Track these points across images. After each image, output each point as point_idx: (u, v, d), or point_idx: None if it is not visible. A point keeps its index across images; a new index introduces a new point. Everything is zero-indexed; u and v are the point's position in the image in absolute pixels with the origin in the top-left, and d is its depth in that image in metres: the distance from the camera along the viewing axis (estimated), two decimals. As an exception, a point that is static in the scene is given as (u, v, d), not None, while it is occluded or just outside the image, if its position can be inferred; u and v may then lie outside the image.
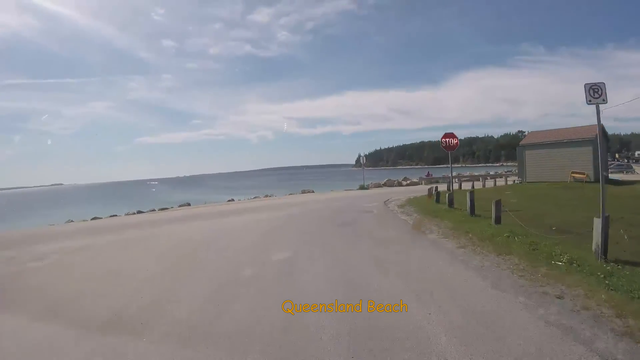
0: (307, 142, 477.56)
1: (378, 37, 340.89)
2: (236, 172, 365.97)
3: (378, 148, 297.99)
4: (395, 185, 45.10)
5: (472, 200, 15.67)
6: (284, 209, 23.63)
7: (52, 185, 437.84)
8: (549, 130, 37.60)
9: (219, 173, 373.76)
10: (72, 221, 29.40)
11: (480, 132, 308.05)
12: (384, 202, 24.60)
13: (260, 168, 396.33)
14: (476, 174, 62.91)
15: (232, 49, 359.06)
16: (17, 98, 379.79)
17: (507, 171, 74.54)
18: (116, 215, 30.92)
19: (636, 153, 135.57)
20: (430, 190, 24.34)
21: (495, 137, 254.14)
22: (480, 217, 14.83)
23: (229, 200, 38.25)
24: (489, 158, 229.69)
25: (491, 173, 66.03)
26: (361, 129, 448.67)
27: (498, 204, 13.07)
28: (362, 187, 40.72)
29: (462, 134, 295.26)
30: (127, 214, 31.76)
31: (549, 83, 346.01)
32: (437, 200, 20.83)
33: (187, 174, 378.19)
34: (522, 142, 37.21)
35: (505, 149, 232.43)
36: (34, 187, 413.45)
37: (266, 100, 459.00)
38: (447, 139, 20.27)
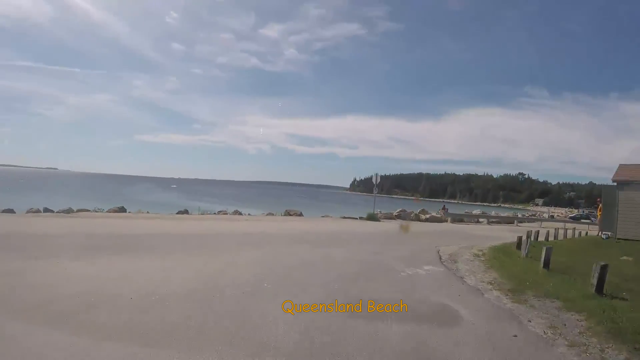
0: (303, 160, 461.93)
1: (384, 64, 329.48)
2: (229, 181, 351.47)
3: (374, 174, 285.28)
4: (412, 219, 32.59)
5: None
6: (221, 257, 10.75)
7: (47, 168, 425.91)
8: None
9: (213, 179, 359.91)
10: None
11: (477, 170, 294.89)
12: (439, 258, 12.66)
13: (254, 180, 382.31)
14: (503, 214, 50.54)
15: (239, 60, 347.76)
16: (22, 80, 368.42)
17: (531, 215, 61.97)
18: None
19: None
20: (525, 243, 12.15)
21: (495, 176, 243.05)
22: None
23: (180, 212, 25.65)
24: (486, 197, 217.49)
25: (520, 215, 54.34)
26: (358, 154, 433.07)
27: None
28: (371, 217, 28.14)
29: (459, 170, 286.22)
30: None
31: (549, 128, 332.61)
32: (599, 291, 8.03)
33: (182, 176, 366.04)
34: (615, 177, 24.26)
35: (505, 189, 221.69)
36: (29, 167, 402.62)
37: (267, 114, 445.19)
38: None
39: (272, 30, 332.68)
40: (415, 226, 26.52)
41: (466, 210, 47.81)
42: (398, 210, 33.58)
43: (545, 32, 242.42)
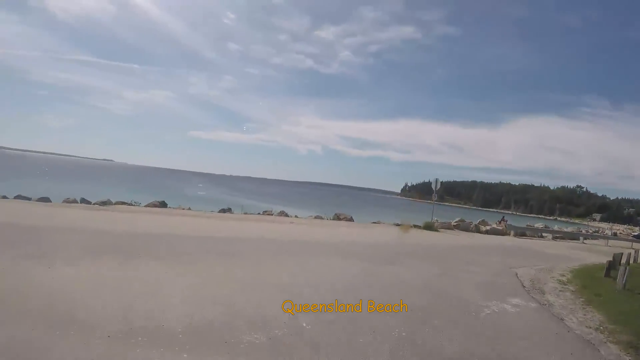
0: (354, 163, 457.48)
1: (439, 68, 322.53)
2: (280, 180, 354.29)
3: (426, 180, 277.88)
4: (472, 230, 29.79)
5: None
6: (247, 272, 8.76)
7: (103, 159, 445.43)
8: None
9: (264, 178, 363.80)
10: None
11: (532, 180, 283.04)
12: (521, 285, 10.27)
13: (304, 180, 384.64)
14: (566, 229, 46.59)
15: (294, 61, 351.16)
16: (82, 73, 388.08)
17: (594, 231, 57.39)
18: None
19: None
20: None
21: (552, 188, 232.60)
22: None
23: (222, 210, 24.05)
24: (542, 210, 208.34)
25: (583, 230, 50.30)
26: (410, 159, 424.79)
27: None
28: (428, 226, 25.56)
29: (514, 180, 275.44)
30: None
31: (608, 139, 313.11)
32: None
33: (233, 174, 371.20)
34: None
35: (561, 202, 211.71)
36: (87, 158, 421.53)
37: (320, 115, 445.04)
38: None
39: (327, 32, 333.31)
40: (478, 239, 23.94)
41: (528, 223, 44.37)
42: (457, 220, 30.87)
43: (608, 40, 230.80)
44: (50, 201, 20.33)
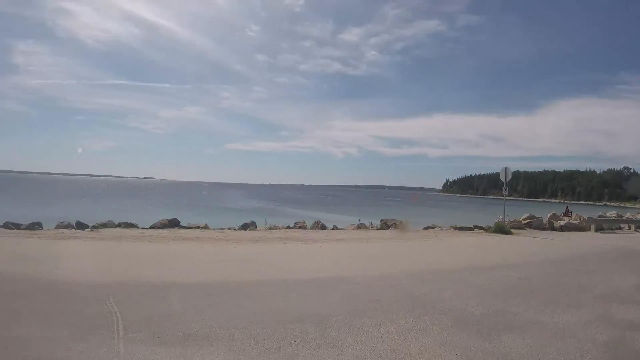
0: (392, 163, 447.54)
1: (469, 59, 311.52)
2: (318, 186, 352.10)
3: (468, 174, 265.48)
4: (546, 227, 24.31)
5: None
6: None
7: (144, 177, 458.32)
8: None
9: (302, 184, 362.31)
10: None
11: (575, 166, 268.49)
12: None
13: (344, 184, 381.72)
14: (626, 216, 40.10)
15: (321, 66, 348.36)
16: (117, 97, 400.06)
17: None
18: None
19: None
20: None
21: (598, 172, 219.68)
22: None
23: (244, 227, 19.14)
24: (590, 195, 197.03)
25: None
26: (448, 153, 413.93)
27: None
28: (499, 228, 20.20)
29: (558, 167, 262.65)
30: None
31: None
32: None
33: (272, 182, 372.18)
34: None
35: (609, 186, 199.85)
36: (129, 177, 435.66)
37: (353, 117, 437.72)
38: None
39: (351, 34, 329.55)
40: (572, 243, 18.40)
41: (599, 214, 38.22)
42: (526, 216, 25.35)
43: (637, 11, 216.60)
44: (42, 228, 16.53)
